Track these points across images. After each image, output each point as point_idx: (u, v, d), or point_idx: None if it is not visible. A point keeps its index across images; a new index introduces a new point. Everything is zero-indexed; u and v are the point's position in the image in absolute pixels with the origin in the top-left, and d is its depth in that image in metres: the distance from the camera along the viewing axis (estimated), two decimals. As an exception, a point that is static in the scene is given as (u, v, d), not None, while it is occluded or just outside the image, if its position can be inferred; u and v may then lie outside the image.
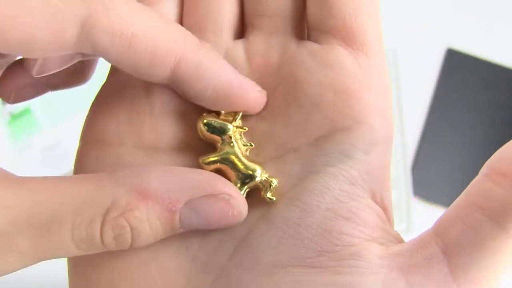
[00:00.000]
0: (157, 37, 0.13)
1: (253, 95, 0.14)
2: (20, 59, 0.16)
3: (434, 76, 0.54)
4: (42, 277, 0.48)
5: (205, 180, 0.13)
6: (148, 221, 0.13)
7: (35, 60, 0.14)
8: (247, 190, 0.14)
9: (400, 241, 0.14)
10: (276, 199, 0.14)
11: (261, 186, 0.14)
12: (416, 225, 0.46)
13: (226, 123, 0.15)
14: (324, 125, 0.14)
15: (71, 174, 0.16)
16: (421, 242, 0.13)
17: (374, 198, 0.14)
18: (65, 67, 0.15)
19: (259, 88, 0.15)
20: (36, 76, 0.15)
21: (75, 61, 0.15)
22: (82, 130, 0.16)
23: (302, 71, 0.15)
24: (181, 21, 0.16)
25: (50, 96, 0.19)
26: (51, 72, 0.15)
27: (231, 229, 0.14)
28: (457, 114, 0.52)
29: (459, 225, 0.12)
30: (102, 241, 0.13)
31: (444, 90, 0.53)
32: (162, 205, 0.13)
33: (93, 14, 0.12)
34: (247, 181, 0.14)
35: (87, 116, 0.16)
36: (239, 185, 0.14)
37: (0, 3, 0.11)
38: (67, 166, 0.48)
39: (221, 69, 0.14)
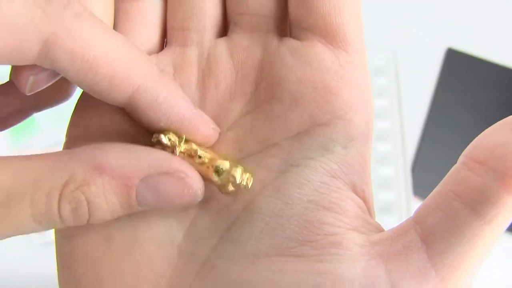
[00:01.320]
0: (118, 63, 0.13)
1: (206, 131, 0.15)
2: (5, 85, 0.16)
3: (434, 76, 0.54)
4: (38, 276, 0.48)
5: (161, 158, 0.13)
6: (104, 196, 0.13)
7: (27, 79, 0.14)
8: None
9: (381, 230, 0.14)
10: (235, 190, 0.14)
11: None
12: (416, 225, 0.46)
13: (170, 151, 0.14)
14: (304, 120, 0.14)
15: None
16: (401, 230, 0.13)
17: (355, 191, 0.15)
18: (54, 81, 0.15)
19: (213, 125, 0.15)
20: (28, 94, 0.15)
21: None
22: (68, 127, 0.16)
23: (282, 68, 0.15)
24: (164, 20, 0.16)
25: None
26: (43, 87, 0.15)
27: (214, 221, 0.15)
28: (457, 114, 0.52)
29: (437, 213, 0.13)
30: (60, 215, 0.13)
31: (444, 90, 0.53)
32: (118, 180, 0.13)
33: (56, 32, 0.12)
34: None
35: (72, 114, 0.16)
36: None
37: None
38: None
39: (178, 102, 0.14)
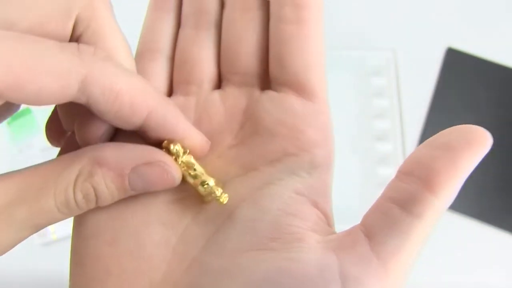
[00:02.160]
0: (137, 92, 0.17)
1: (200, 142, 0.19)
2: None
3: (434, 76, 0.54)
4: (38, 276, 0.48)
5: (146, 151, 0.17)
6: (105, 183, 0.17)
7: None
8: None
9: None
10: (224, 201, 0.18)
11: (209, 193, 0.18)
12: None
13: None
14: (278, 151, 0.19)
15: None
16: (350, 231, 0.17)
17: (316, 207, 0.18)
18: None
19: (206, 139, 0.19)
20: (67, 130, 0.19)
21: None
22: None
23: (263, 112, 0.19)
24: (171, 76, 0.21)
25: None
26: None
27: (203, 228, 0.18)
28: (457, 114, 0.52)
29: (376, 213, 0.16)
30: (75, 202, 0.17)
31: (444, 89, 0.53)
32: (114, 171, 0.17)
33: (90, 73, 0.16)
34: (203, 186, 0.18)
35: None
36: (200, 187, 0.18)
37: (20, 58, 0.14)
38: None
39: (180, 121, 0.18)
